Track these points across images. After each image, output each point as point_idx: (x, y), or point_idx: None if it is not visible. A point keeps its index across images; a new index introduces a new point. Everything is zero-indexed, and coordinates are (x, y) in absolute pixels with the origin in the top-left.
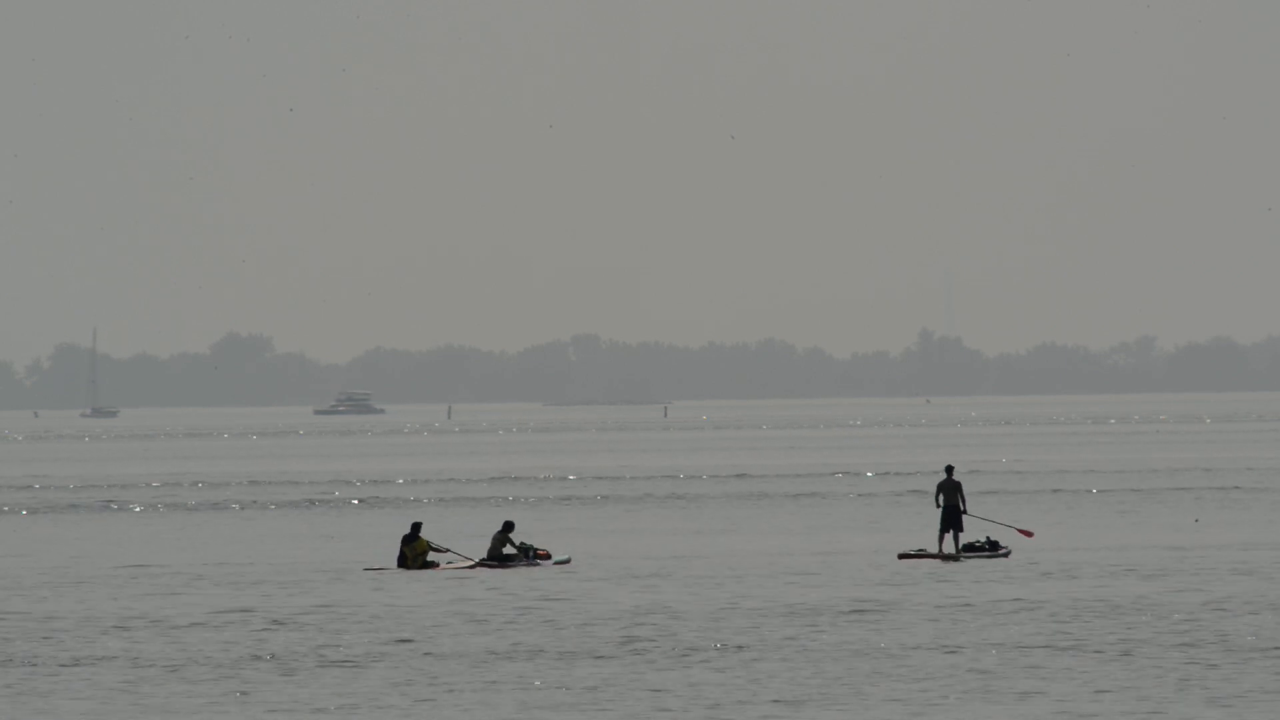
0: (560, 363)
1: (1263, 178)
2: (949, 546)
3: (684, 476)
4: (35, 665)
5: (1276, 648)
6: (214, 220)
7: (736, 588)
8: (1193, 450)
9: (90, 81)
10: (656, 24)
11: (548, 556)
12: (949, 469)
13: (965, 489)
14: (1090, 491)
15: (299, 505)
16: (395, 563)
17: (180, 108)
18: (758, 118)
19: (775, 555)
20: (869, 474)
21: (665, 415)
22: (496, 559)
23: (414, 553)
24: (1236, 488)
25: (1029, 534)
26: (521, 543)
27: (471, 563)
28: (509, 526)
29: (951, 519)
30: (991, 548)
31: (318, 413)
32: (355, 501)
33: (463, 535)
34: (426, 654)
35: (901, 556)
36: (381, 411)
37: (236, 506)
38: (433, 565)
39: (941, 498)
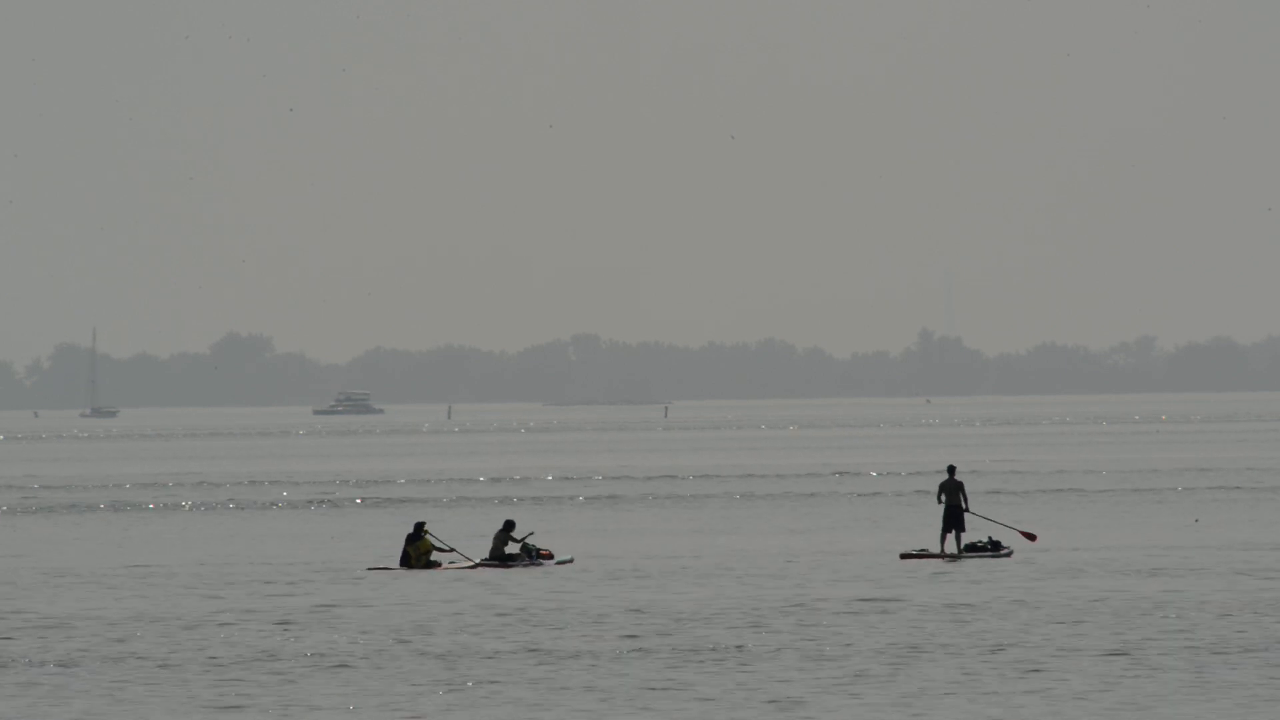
0: (560, 363)
1: (1263, 178)
2: (951, 546)
3: (684, 477)
4: (33, 665)
5: (1276, 647)
6: (214, 220)
7: (738, 588)
8: (1193, 450)
9: (90, 81)
10: (656, 24)
11: (550, 556)
12: (951, 469)
13: (967, 489)
14: (1090, 491)
15: (299, 505)
16: (399, 562)
17: (180, 108)
18: (758, 118)
19: (776, 555)
20: (870, 474)
21: (666, 415)
22: (498, 559)
23: (417, 552)
24: (1237, 488)
25: (1032, 537)
26: (524, 543)
27: (473, 563)
28: (510, 526)
29: (953, 519)
30: (993, 548)
31: (317, 413)
32: (358, 501)
33: (463, 535)
34: (428, 654)
35: (904, 556)
36: (380, 412)
37: (233, 506)
38: (436, 565)
39: (943, 497)
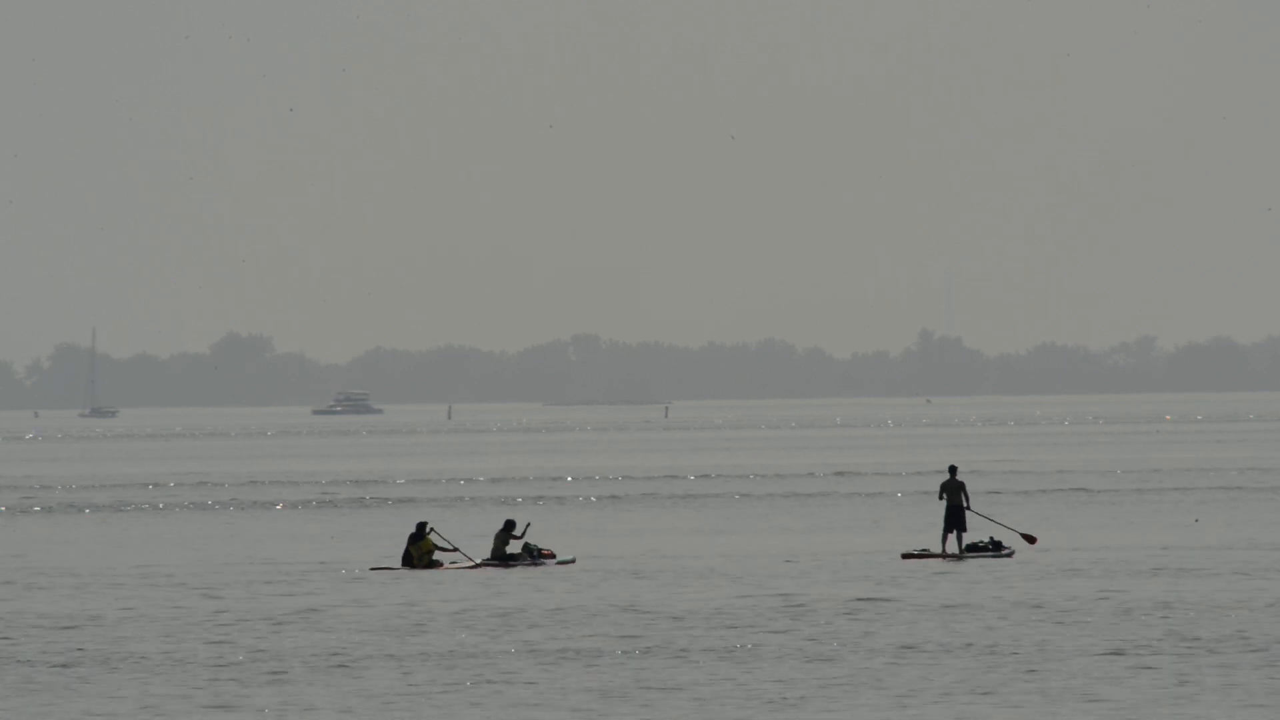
0: (560, 363)
1: (1263, 178)
2: (952, 546)
3: (685, 476)
4: (33, 665)
5: (1276, 647)
6: (214, 220)
7: (738, 588)
8: (1193, 450)
9: (90, 81)
10: (656, 24)
11: (552, 556)
12: (952, 469)
13: (969, 489)
14: (1090, 491)
15: (299, 505)
16: (401, 562)
17: (180, 108)
18: (758, 118)
19: (778, 555)
20: (871, 474)
21: (666, 415)
22: (500, 559)
23: (419, 552)
24: (1237, 488)
25: (1032, 540)
26: (526, 543)
27: (474, 563)
28: (510, 526)
29: (955, 519)
30: (995, 548)
31: (316, 413)
32: (362, 500)
33: (463, 535)
34: (428, 654)
35: (905, 556)
36: (380, 412)
37: (232, 507)
38: (438, 565)
39: (945, 497)
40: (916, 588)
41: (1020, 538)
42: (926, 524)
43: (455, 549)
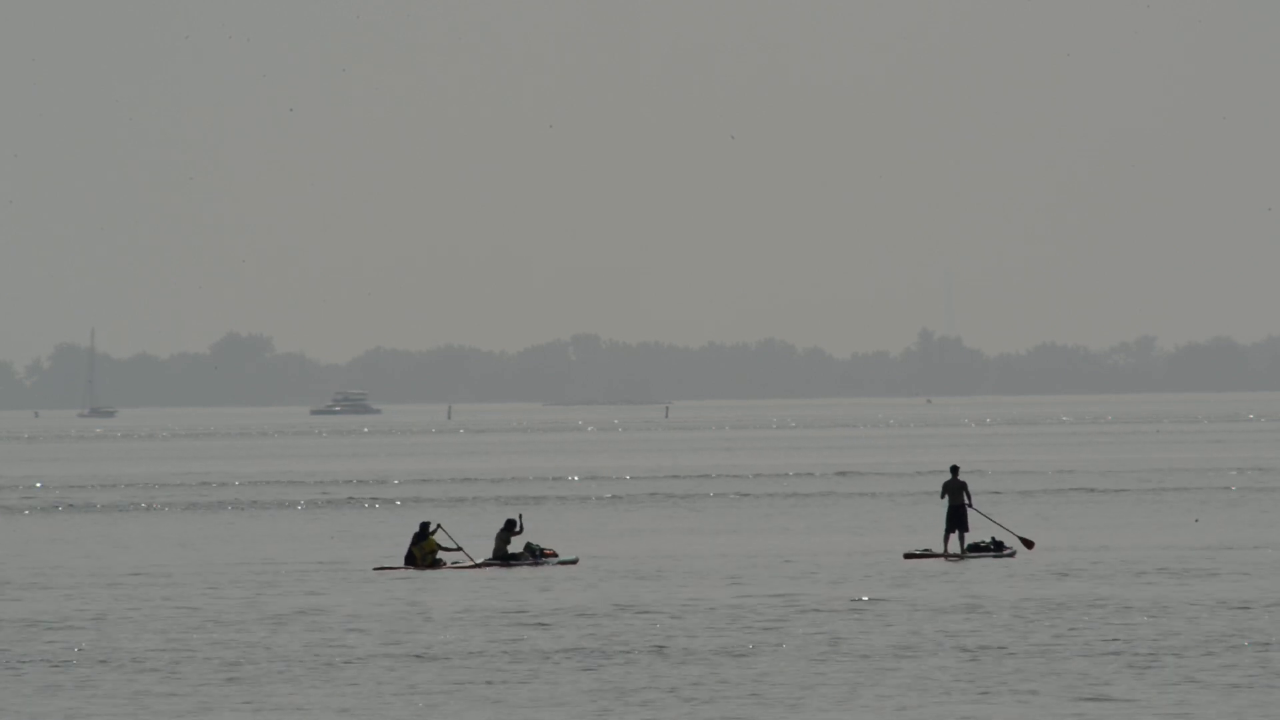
0: (560, 363)
1: (1263, 178)
2: (954, 546)
3: (685, 476)
4: (32, 666)
5: (1276, 646)
6: (214, 220)
7: (739, 588)
8: (1193, 450)
9: (90, 81)
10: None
11: (554, 555)
12: (954, 469)
13: (970, 489)
14: (1091, 491)
15: (299, 505)
16: (404, 561)
17: (180, 108)
18: (758, 118)
19: (779, 555)
20: (872, 474)
21: (666, 415)
22: (501, 558)
23: (422, 552)
24: (1237, 488)
25: (1030, 544)
26: (528, 542)
27: (476, 563)
28: (510, 525)
29: (957, 519)
30: (996, 548)
31: (314, 413)
32: (361, 500)
33: (463, 535)
34: (429, 654)
35: (907, 556)
36: (378, 412)
37: (232, 508)
38: (441, 564)
39: (947, 497)
40: (918, 588)
41: (1019, 541)
42: (928, 524)
43: (459, 549)
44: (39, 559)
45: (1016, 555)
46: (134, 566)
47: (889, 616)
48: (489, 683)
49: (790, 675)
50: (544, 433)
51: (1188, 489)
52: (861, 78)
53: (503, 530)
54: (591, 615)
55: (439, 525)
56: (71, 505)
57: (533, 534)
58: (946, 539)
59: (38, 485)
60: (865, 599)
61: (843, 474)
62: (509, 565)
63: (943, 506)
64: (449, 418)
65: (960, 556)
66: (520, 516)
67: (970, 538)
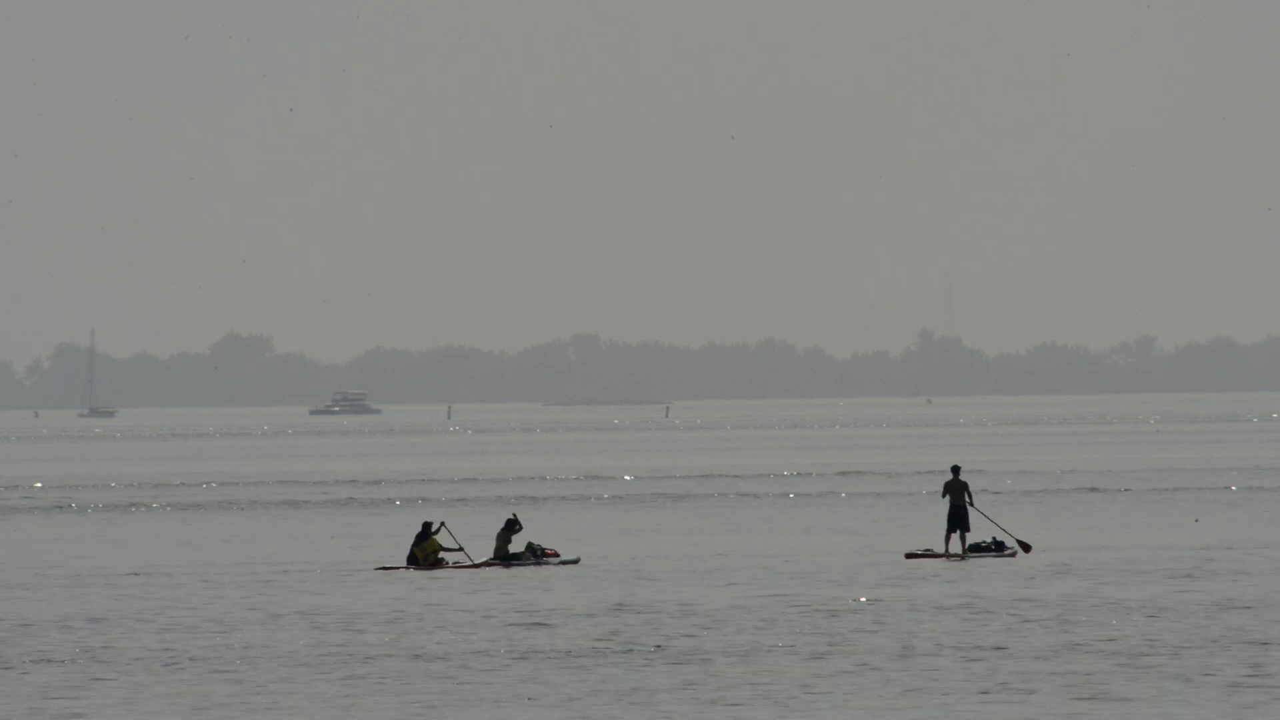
0: (560, 363)
1: (1263, 178)
2: (955, 546)
3: (686, 476)
4: (32, 666)
5: (1276, 646)
6: (214, 220)
7: (740, 588)
8: (1193, 450)
9: (90, 81)
10: (656, 24)
11: (556, 555)
12: (955, 469)
13: (970, 488)
14: (1091, 491)
15: (299, 505)
16: (406, 561)
17: (180, 108)
18: (758, 118)
19: (780, 555)
20: (873, 474)
21: (667, 415)
22: (502, 558)
23: (424, 552)
24: (1237, 488)
25: (1028, 548)
26: (530, 542)
27: (477, 562)
28: (511, 525)
29: (958, 519)
30: (997, 548)
31: (313, 413)
32: (361, 500)
33: (464, 535)
34: (432, 654)
35: (909, 556)
36: (377, 412)
37: (232, 507)
38: (443, 564)
39: (948, 497)
40: (919, 588)
41: (1016, 543)
42: (929, 524)
43: (460, 549)
44: (39, 559)
45: (1017, 555)
46: (134, 566)
47: (890, 616)
48: (488, 685)
49: (790, 675)
50: (544, 433)
51: (1188, 489)
52: (861, 78)
53: (503, 530)
54: (593, 615)
55: (443, 524)
56: (71, 505)
57: (533, 534)
58: (948, 539)
59: (38, 485)
60: (865, 599)
61: (843, 474)
62: (510, 565)
63: (943, 506)
64: (449, 418)
65: (962, 556)
66: (515, 516)
67: (971, 538)
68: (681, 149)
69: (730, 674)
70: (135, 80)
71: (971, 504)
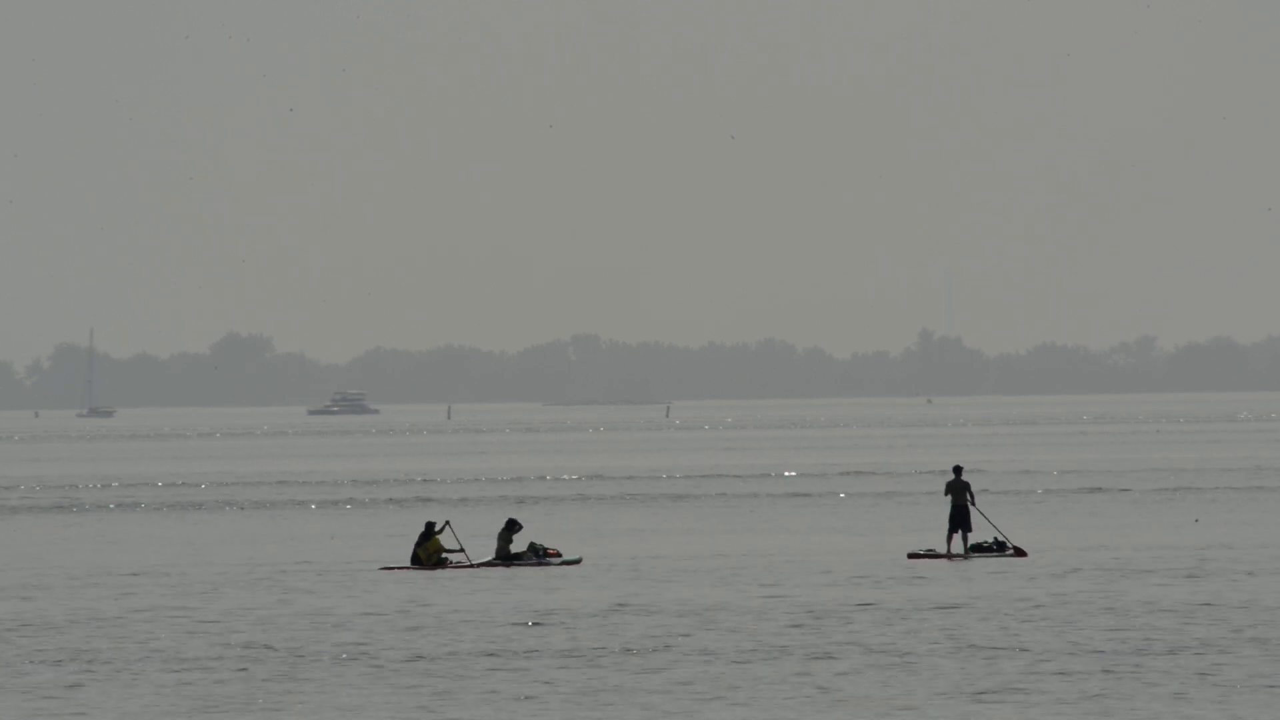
0: (560, 363)
1: (1263, 178)
2: (957, 546)
3: (686, 476)
4: (31, 666)
5: (1274, 646)
6: (214, 220)
7: (741, 588)
8: (1192, 450)
9: (90, 81)
10: (656, 24)
11: (557, 555)
12: (957, 469)
13: (972, 488)
14: (1092, 491)
15: (298, 505)
16: (409, 561)
17: (180, 108)
18: (758, 118)
19: (781, 555)
20: (874, 473)
21: (667, 415)
22: (503, 558)
23: (427, 552)
24: (1237, 488)
25: (1023, 554)
26: (531, 542)
27: (477, 563)
28: (512, 525)
29: (960, 519)
30: (999, 548)
31: (312, 413)
32: (361, 500)
33: (464, 535)
34: (432, 654)
35: (911, 556)
36: (376, 412)
37: (233, 508)
38: (445, 563)
39: (950, 497)
40: (921, 588)
41: (1014, 549)
42: (931, 524)
43: (461, 549)
44: (39, 559)
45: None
46: (134, 566)
47: (891, 616)
48: (489, 688)
49: (792, 675)
50: (544, 433)
51: (1188, 489)
52: (861, 78)
53: (504, 530)
54: (595, 615)
55: (447, 523)
56: (71, 505)
57: (534, 534)
58: (950, 539)
59: (37, 486)
60: (868, 599)
61: (844, 474)
62: (511, 565)
63: (945, 506)
64: (449, 418)
65: (964, 556)
66: (514, 519)
67: (973, 538)
68: (681, 149)
69: (730, 674)
70: (135, 80)
71: (973, 504)
